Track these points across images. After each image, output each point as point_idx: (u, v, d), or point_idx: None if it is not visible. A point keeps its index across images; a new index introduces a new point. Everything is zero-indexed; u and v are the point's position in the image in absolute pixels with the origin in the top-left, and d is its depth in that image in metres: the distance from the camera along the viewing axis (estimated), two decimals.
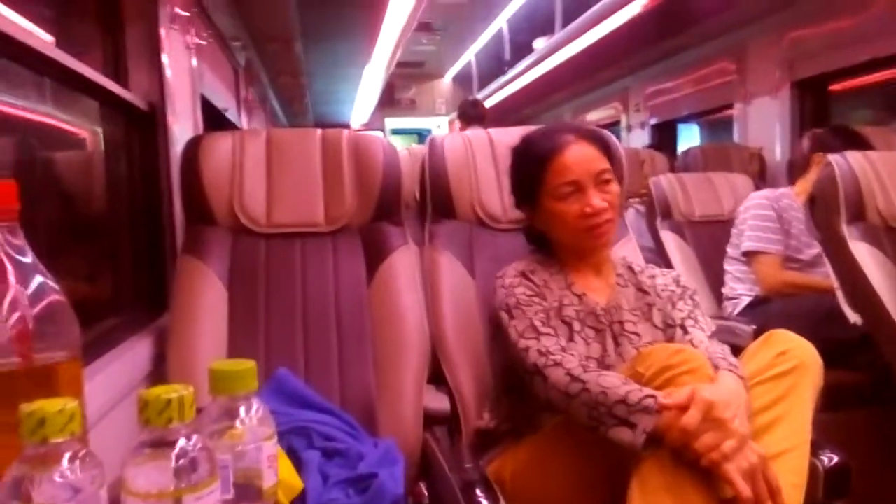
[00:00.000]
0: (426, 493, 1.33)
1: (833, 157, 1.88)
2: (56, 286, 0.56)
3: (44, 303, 0.55)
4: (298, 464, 1.14)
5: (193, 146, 1.53)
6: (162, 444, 0.48)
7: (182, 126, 1.91)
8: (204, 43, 2.43)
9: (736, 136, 3.94)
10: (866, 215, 1.81)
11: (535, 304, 1.25)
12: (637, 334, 1.30)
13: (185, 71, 2.12)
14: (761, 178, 3.38)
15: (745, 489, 0.95)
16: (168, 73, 1.82)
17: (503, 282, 1.30)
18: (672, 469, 0.99)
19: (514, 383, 1.25)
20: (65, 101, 1.48)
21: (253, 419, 0.56)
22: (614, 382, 1.07)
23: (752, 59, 3.78)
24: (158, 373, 1.41)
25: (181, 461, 0.47)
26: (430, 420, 1.45)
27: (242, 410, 0.56)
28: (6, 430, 0.51)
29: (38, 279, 0.55)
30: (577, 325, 1.27)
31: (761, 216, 2.39)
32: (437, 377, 1.50)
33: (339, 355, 1.43)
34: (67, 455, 0.47)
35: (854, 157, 1.86)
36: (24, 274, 0.54)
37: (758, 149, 3.52)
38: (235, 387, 0.56)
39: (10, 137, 1.28)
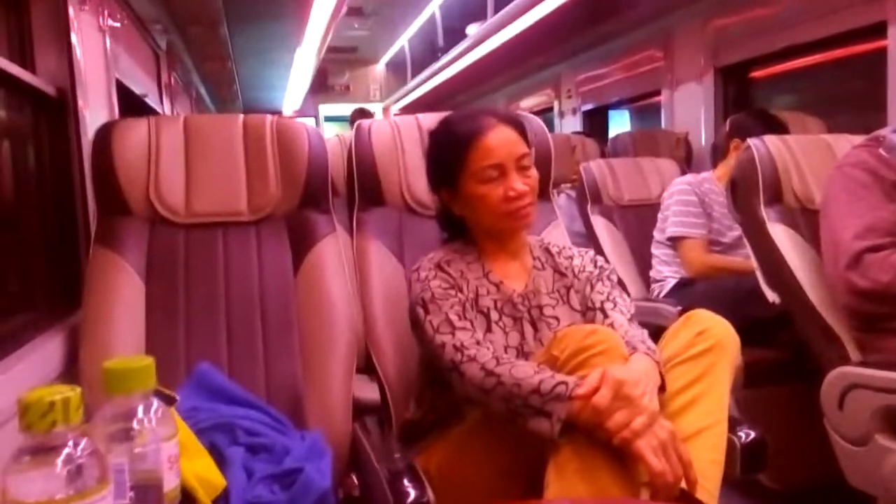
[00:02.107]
0: (357, 485, 1.31)
1: (752, 141, 1.93)
2: None
3: None
4: (221, 461, 1.11)
5: (105, 133, 1.46)
6: (46, 450, 0.45)
7: (95, 112, 1.82)
8: (119, 25, 2.32)
9: (664, 122, 4.03)
10: (783, 198, 1.87)
11: (450, 296, 1.24)
12: (556, 318, 1.30)
13: (98, 54, 2.02)
14: (687, 162, 3.47)
15: (656, 464, 0.97)
16: (79, 56, 1.73)
17: (418, 275, 1.29)
18: (587, 453, 1.01)
19: (437, 376, 1.24)
20: None
21: (152, 419, 0.53)
22: (527, 372, 1.07)
23: (678, 47, 3.87)
24: (71, 373, 1.35)
25: (67, 467, 0.44)
26: (362, 410, 1.43)
27: (140, 410, 0.53)
28: None
29: None
30: (494, 315, 1.27)
31: (684, 201, 2.45)
32: (369, 367, 1.49)
33: (265, 347, 1.39)
34: None
35: (771, 141, 1.92)
36: None
37: (684, 134, 3.62)
38: (131, 385, 0.53)
39: None
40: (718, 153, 2.68)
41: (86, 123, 1.70)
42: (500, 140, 1.27)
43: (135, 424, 0.53)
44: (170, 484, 0.54)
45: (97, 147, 1.44)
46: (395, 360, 1.45)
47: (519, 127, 1.31)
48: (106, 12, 2.11)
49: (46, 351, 1.33)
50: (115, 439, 0.52)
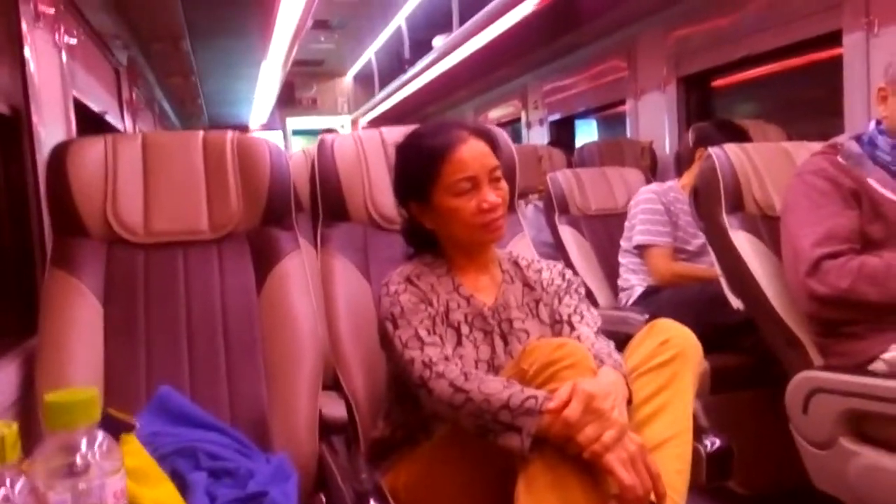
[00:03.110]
0: None
1: (713, 150, 1.96)
2: None
3: None
4: (184, 487, 1.08)
5: (60, 152, 1.42)
6: None
7: (51, 131, 1.78)
8: (76, 41, 2.27)
9: (629, 131, 4.08)
10: (744, 205, 1.90)
11: (420, 311, 1.23)
12: (525, 331, 1.30)
13: (54, 71, 1.98)
14: (652, 171, 3.52)
15: (626, 477, 0.97)
16: (33, 73, 1.69)
17: (388, 289, 1.27)
18: (557, 466, 1.00)
19: (405, 392, 1.23)
20: None
21: (96, 453, 0.51)
22: (496, 388, 1.06)
23: (641, 56, 3.93)
24: (26, 399, 1.31)
25: None
26: (329, 429, 1.41)
27: (84, 444, 0.51)
28: None
29: None
30: (465, 329, 1.27)
31: (650, 210, 2.48)
32: (336, 383, 1.47)
33: (228, 368, 1.37)
34: None
35: (732, 150, 1.95)
36: None
37: (648, 143, 3.66)
38: (74, 419, 0.51)
39: None
40: (683, 162, 2.71)
41: (41, 142, 1.66)
42: (473, 153, 1.27)
43: (78, 459, 0.51)
44: None
45: (52, 167, 1.40)
46: (362, 377, 1.44)
47: (490, 139, 1.32)
48: (62, 28, 2.06)
49: (0, 377, 1.29)
50: (58, 475, 0.50)
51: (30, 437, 1.25)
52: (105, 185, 1.42)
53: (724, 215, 1.88)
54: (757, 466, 1.68)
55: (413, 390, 1.18)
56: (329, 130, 4.36)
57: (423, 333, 1.20)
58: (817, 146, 1.83)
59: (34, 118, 1.66)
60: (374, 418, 1.38)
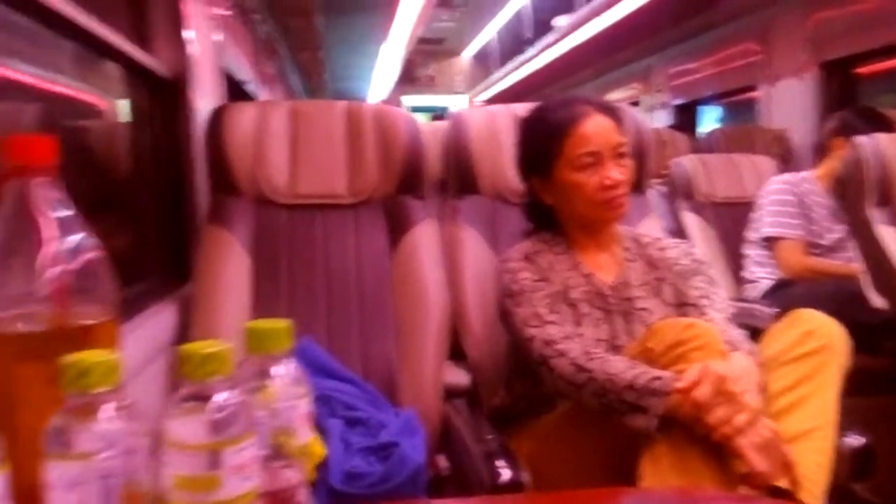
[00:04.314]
0: (445, 465, 1.34)
1: (860, 140, 1.85)
2: (96, 242, 0.57)
3: (84, 258, 0.55)
4: (321, 432, 1.16)
5: (218, 116, 1.53)
6: (200, 398, 0.49)
7: (205, 96, 1.91)
8: (227, 14, 2.42)
9: (759, 118, 3.89)
10: (893, 199, 1.78)
11: (539, 289, 1.24)
12: (647, 310, 1.28)
13: (208, 42, 2.11)
14: (784, 160, 3.34)
15: (758, 462, 0.95)
16: (191, 43, 1.82)
17: (507, 266, 1.28)
18: (683, 448, 0.99)
19: (526, 366, 1.24)
20: (91, 71, 1.48)
21: (287, 378, 0.57)
22: (619, 368, 1.06)
23: (778, 40, 3.72)
24: (181, 341, 1.42)
25: (220, 414, 0.48)
26: (448, 394, 1.46)
27: (277, 369, 0.57)
28: (45, 383, 0.52)
29: (78, 234, 0.55)
30: (584, 308, 1.26)
31: (781, 201, 2.37)
32: (456, 353, 1.51)
33: (361, 327, 1.44)
34: (109, 405, 0.47)
35: (881, 140, 1.84)
36: (65, 228, 0.55)
37: (782, 131, 3.48)
38: (271, 345, 0.57)
39: (36, 105, 1.29)
40: (820, 152, 2.57)
41: (197, 107, 1.79)
42: (597, 128, 1.26)
43: (271, 382, 0.56)
44: (302, 440, 0.57)
45: (210, 129, 1.52)
46: (485, 346, 1.47)
47: (615, 116, 1.30)
48: (216, 1, 2.20)
49: (159, 320, 1.41)
50: (254, 394, 0.55)
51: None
52: (256, 147, 1.52)
53: (870, 209, 1.77)
54: (892, 474, 1.59)
55: (533, 367, 1.19)
56: (438, 117, 4.42)
57: (543, 311, 1.21)
58: None
59: (192, 86, 1.78)
60: (495, 386, 1.41)
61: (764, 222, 2.39)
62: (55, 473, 0.46)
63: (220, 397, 0.49)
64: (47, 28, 1.20)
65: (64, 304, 0.55)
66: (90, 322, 0.56)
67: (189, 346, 0.49)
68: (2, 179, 0.55)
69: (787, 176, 2.51)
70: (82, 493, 0.46)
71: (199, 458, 0.47)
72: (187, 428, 0.48)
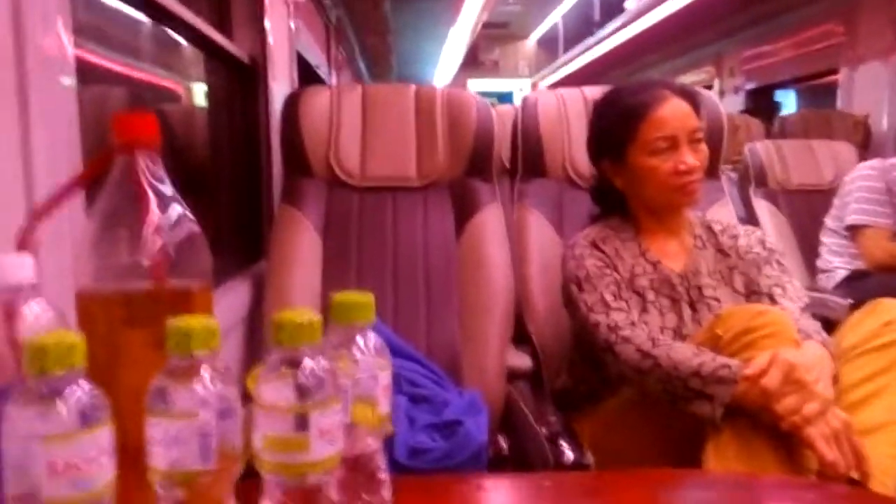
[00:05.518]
0: (506, 446, 1.36)
1: None
2: (193, 217, 0.60)
3: (183, 232, 0.59)
4: None
5: (294, 100, 1.58)
6: (291, 364, 0.52)
7: (280, 81, 1.96)
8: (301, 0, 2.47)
9: (839, 103, 3.73)
10: None
11: (605, 275, 1.23)
12: (716, 299, 1.25)
13: (283, 27, 2.17)
14: (865, 147, 3.20)
15: (828, 452, 0.93)
16: (269, 29, 1.87)
17: (573, 252, 1.28)
18: (749, 436, 0.98)
19: (590, 351, 1.24)
20: (175, 57, 1.54)
21: (370, 349, 0.59)
22: (686, 355, 1.05)
23: (863, 21, 3.56)
24: (254, 315, 1.49)
25: (309, 379, 0.51)
26: (511, 376, 1.47)
27: (361, 340, 0.59)
28: (147, 346, 0.56)
29: (177, 209, 0.59)
30: (650, 295, 1.24)
31: (869, 188, 2.28)
32: (518, 336, 1.52)
33: (427, 307, 1.47)
34: (208, 368, 0.51)
35: None
36: (166, 203, 0.59)
37: (864, 116, 3.33)
38: (355, 316, 0.59)
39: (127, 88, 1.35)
40: None
41: (273, 91, 1.85)
42: (673, 112, 1.24)
43: (355, 352, 0.59)
44: (383, 410, 0.60)
45: (286, 112, 1.57)
46: (550, 329, 1.48)
47: (692, 100, 1.28)
48: None
49: (234, 294, 1.47)
50: (338, 364, 0.58)
51: (255, 345, 1.43)
52: (329, 131, 1.56)
53: None
54: None
55: (598, 353, 1.19)
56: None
57: (608, 298, 1.20)
58: None
59: (269, 70, 1.84)
60: (558, 369, 1.42)
61: (849, 209, 2.31)
62: (157, 431, 0.50)
63: (309, 363, 0.51)
64: (149, 18, 1.26)
65: (165, 273, 0.59)
66: (191, 289, 0.60)
67: (283, 315, 0.52)
68: (110, 154, 0.59)
69: (874, 162, 2.41)
70: (182, 450, 0.50)
71: (288, 419, 0.50)
72: (279, 391, 0.51)
